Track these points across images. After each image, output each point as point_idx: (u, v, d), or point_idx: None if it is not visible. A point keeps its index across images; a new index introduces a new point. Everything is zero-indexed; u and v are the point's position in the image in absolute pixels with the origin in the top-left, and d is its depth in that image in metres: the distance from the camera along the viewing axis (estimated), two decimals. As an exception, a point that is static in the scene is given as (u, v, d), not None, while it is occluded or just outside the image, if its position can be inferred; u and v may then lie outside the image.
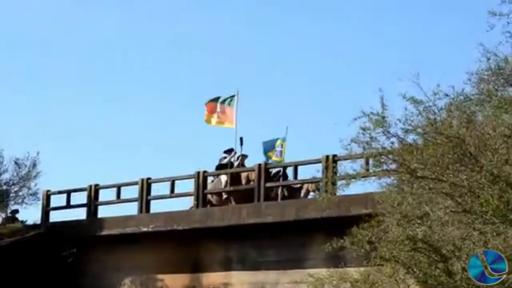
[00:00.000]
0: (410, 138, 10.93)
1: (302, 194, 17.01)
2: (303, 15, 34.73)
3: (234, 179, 17.91)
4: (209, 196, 18.26)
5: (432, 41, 33.49)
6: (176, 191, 18.67)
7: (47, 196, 20.48)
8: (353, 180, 11.63)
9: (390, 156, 10.83)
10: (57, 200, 20.54)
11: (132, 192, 19.41)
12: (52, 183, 21.35)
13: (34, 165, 20.06)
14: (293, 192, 17.36)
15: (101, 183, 20.02)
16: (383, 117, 11.04)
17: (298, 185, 17.24)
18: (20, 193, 19.97)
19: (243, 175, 17.90)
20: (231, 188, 17.89)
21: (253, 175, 17.27)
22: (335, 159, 15.62)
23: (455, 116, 10.56)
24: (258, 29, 35.29)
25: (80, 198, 20.26)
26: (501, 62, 10.52)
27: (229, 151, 18.65)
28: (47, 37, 35.72)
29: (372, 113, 11.11)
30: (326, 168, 15.32)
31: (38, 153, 20.11)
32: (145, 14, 36.27)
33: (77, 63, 35.92)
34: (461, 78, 10.77)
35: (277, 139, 18.52)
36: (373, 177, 11.61)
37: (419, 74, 10.73)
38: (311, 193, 16.88)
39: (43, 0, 35.56)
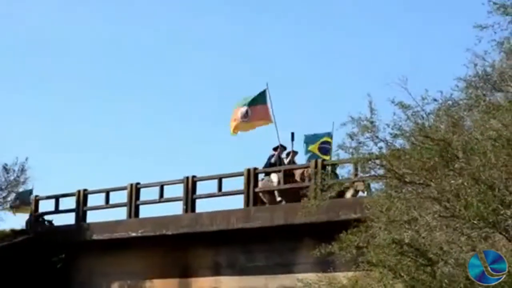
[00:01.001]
0: (398, 143, 10.97)
1: (350, 195, 15.46)
2: (292, 21, 34.86)
3: (287, 176, 16.68)
4: (260, 195, 17.10)
5: (421, 46, 33.67)
6: (165, 196, 18.63)
7: (36, 201, 20.41)
8: (341, 185, 11.65)
9: (378, 161, 10.85)
10: (46, 205, 20.51)
11: (120, 197, 19.42)
12: (41, 188, 21.29)
13: (22, 170, 19.99)
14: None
15: (90, 188, 20.00)
16: (371, 122, 11.07)
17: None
18: (9, 199, 19.91)
19: (297, 172, 16.71)
20: (285, 186, 16.62)
21: (308, 172, 15.96)
22: (324, 163, 15.65)
23: (443, 121, 10.59)
24: (250, 32, 35.37)
25: (68, 203, 20.24)
26: (488, 67, 10.57)
27: (276, 148, 17.58)
28: (40, 41, 35.71)
29: (360, 118, 11.14)
30: (315, 174, 15.33)
31: (26, 159, 20.07)
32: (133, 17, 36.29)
33: (66, 69, 35.91)
34: (449, 84, 10.83)
35: (323, 134, 17.42)
36: (361, 183, 11.66)
37: (407, 79, 10.78)
38: (360, 193, 15.36)
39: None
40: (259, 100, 17.75)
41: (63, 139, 34.61)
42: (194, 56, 34.73)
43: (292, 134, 17.43)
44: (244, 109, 17.77)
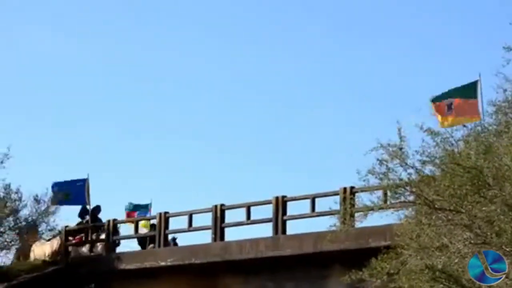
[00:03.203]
0: (428, 169, 10.95)
1: None
2: (319, 43, 34.95)
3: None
4: None
5: (449, 71, 33.54)
6: (194, 225, 18.69)
7: (66, 231, 20.57)
8: (371, 212, 11.63)
9: (408, 188, 10.82)
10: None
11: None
12: (71, 218, 21.45)
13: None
14: None
15: (119, 218, 20.17)
16: (401, 149, 11.06)
17: None
18: (39, 229, 20.08)
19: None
20: None
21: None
22: (352, 191, 15.59)
23: (472, 147, 10.56)
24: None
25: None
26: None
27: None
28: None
29: (389, 144, 11.14)
30: (344, 200, 15.29)
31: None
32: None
33: (97, 84, 36.03)
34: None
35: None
36: (391, 209, 11.61)
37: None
38: None
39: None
40: (468, 93, 15.62)
41: (91, 170, 34.75)
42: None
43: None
44: (449, 101, 15.72)
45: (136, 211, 20.73)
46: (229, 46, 36.05)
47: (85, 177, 20.42)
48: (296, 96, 34.92)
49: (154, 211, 20.13)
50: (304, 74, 35.23)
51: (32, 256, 20.48)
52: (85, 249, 20.35)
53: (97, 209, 20.62)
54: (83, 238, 20.25)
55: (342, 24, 34.97)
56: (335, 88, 35.13)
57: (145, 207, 20.77)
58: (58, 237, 20.26)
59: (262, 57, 35.67)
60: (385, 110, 32.54)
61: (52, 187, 20.35)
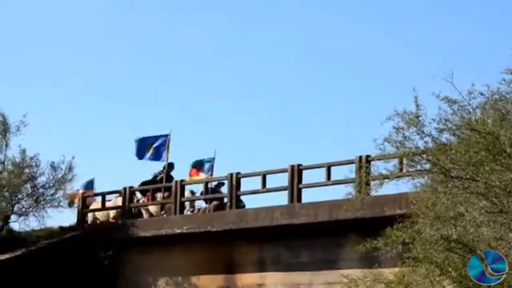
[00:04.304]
0: (444, 137, 10.85)
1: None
2: (339, 14, 34.65)
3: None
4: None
5: (467, 40, 33.18)
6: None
7: (83, 198, 20.70)
8: (386, 180, 11.57)
9: (424, 156, 10.74)
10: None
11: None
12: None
13: (70, 168, 20.29)
14: None
15: (135, 185, 20.22)
16: (417, 117, 10.96)
17: None
18: (56, 196, 20.22)
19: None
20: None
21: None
22: (368, 159, 15.52)
23: (490, 115, 10.44)
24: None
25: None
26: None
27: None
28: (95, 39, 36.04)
29: (405, 112, 11.04)
30: (359, 168, 15.24)
31: (73, 157, 20.36)
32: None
33: (99, 68, 36.15)
34: (496, 77, 10.66)
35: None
36: (407, 177, 11.55)
37: (453, 73, 10.65)
38: None
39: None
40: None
41: (108, 141, 34.99)
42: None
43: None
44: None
45: (199, 166, 19.66)
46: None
47: (168, 132, 19.78)
48: (313, 67, 34.74)
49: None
50: (319, 46, 35.02)
51: (90, 216, 20.26)
52: (152, 208, 19.52)
53: (171, 166, 19.92)
54: (150, 198, 19.44)
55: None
56: (351, 58, 34.91)
57: (209, 161, 19.70)
58: (120, 197, 19.79)
59: (274, 29, 35.49)
60: (402, 79, 32.30)
61: (137, 141, 19.87)
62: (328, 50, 34.90)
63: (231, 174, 18.22)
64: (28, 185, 19.96)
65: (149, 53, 36.03)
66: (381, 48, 34.30)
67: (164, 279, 19.10)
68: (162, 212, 19.39)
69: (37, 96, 35.21)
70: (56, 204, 20.17)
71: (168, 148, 19.66)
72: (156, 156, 19.81)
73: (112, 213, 19.99)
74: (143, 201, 19.90)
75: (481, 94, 10.67)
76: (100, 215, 20.31)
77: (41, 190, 20.05)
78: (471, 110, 10.70)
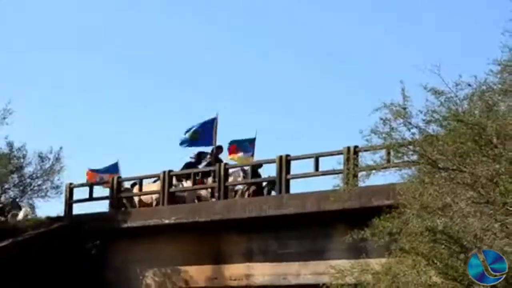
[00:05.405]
0: (431, 129, 10.86)
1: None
2: (321, 7, 34.61)
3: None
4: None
5: (454, 31, 33.22)
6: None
7: (70, 189, 20.63)
8: (374, 171, 11.59)
9: (411, 147, 10.76)
10: (80, 194, 20.72)
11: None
12: (75, 176, 21.51)
13: (57, 159, 20.24)
14: None
15: (123, 176, 20.17)
16: (404, 108, 10.97)
17: None
18: (44, 187, 20.19)
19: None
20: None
21: None
22: (356, 150, 15.55)
23: (477, 107, 10.45)
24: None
25: (102, 191, 20.41)
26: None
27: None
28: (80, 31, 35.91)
29: (392, 104, 11.05)
30: (347, 159, 15.25)
31: (61, 148, 20.30)
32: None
33: (102, 57, 36.10)
34: (483, 68, 10.67)
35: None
36: (394, 168, 11.58)
37: (440, 64, 10.65)
38: None
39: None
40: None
41: (96, 129, 34.92)
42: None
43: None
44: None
45: (238, 145, 18.85)
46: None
47: (214, 116, 19.16)
48: (302, 58, 34.72)
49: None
50: (309, 38, 34.99)
51: (136, 199, 19.69)
52: (203, 192, 18.90)
53: (220, 149, 19.30)
54: (194, 183, 18.68)
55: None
56: (340, 50, 34.89)
57: (247, 141, 18.90)
58: (158, 182, 19.15)
59: (267, 23, 35.41)
60: (389, 70, 32.33)
61: (185, 132, 19.31)
62: (328, 50, 34.94)
63: (219, 164, 18.20)
64: (15, 175, 19.89)
65: (149, 53, 35.98)
66: (381, 48, 34.35)
67: (152, 269, 19.08)
68: (211, 197, 18.60)
69: (36, 96, 35.16)
70: (43, 194, 20.14)
71: (215, 131, 19.06)
72: (204, 140, 19.13)
73: (154, 197, 19.27)
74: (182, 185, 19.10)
75: (469, 85, 10.69)
76: (143, 198, 19.55)
77: (28, 180, 19.98)
78: (458, 101, 10.71)
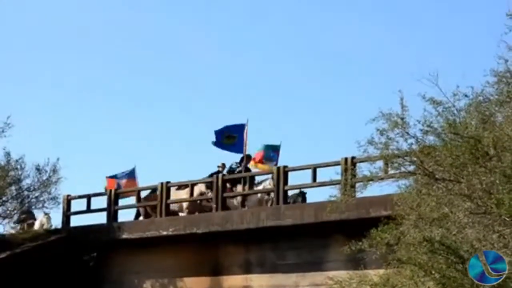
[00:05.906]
0: (429, 139, 10.88)
1: None
2: (320, 15, 34.70)
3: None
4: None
5: (452, 41, 33.28)
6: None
7: (68, 200, 20.60)
8: (371, 182, 11.60)
9: (408, 158, 10.77)
10: (78, 205, 20.70)
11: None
12: (73, 188, 21.47)
13: (54, 170, 20.20)
14: None
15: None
16: (402, 118, 10.99)
17: None
18: (41, 198, 20.12)
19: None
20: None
21: None
22: (353, 161, 15.56)
23: (473, 117, 10.47)
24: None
25: (100, 203, 20.39)
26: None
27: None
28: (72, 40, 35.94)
29: (390, 114, 11.07)
30: (345, 170, 15.27)
31: (58, 159, 20.27)
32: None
33: (96, 68, 36.10)
34: (481, 79, 10.70)
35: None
36: (392, 179, 11.59)
37: (438, 75, 10.68)
38: None
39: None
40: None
41: (93, 141, 34.90)
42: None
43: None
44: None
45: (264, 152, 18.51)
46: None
47: (244, 122, 18.55)
48: (298, 65, 34.76)
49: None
50: (304, 43, 35.07)
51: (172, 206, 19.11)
52: (235, 201, 18.22)
53: (250, 158, 18.81)
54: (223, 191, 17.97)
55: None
56: (340, 50, 34.91)
57: (275, 148, 18.56)
58: (187, 189, 18.71)
59: (258, 24, 35.51)
60: (388, 81, 32.38)
61: (216, 132, 18.84)
62: (328, 50, 34.96)
63: (217, 177, 18.20)
64: (13, 187, 19.86)
65: (149, 53, 35.96)
66: (381, 48, 34.37)
67: (150, 281, 19.04)
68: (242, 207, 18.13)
69: (36, 96, 35.14)
70: (40, 206, 20.10)
71: (246, 139, 18.52)
72: (238, 147, 18.69)
73: (185, 204, 18.97)
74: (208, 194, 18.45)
75: (466, 96, 10.72)
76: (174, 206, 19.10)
77: (26, 192, 19.95)
78: (455, 112, 10.74)
